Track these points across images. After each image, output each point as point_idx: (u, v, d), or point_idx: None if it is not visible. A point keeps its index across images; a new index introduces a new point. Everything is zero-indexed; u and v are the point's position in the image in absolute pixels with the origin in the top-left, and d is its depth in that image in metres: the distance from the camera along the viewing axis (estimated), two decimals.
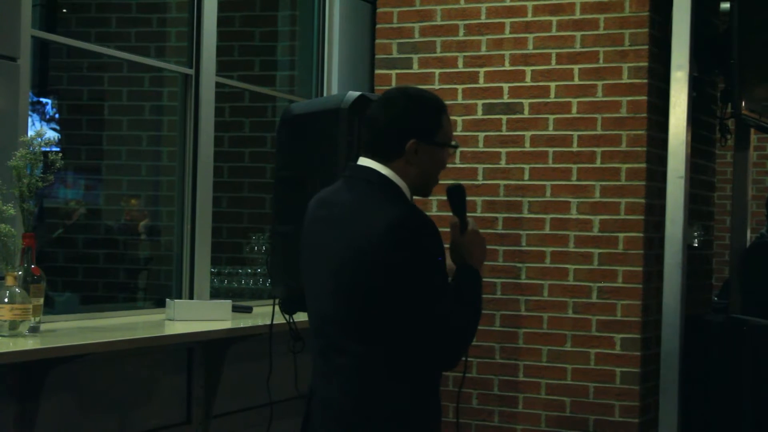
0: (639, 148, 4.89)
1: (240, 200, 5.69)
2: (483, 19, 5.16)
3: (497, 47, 5.13)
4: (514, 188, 5.09)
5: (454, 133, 5.03)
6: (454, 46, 5.21)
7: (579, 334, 4.96)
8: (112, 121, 5.58)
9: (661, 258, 4.79)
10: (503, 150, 5.12)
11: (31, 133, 3.68)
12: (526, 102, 5.08)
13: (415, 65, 5.27)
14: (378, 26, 5.37)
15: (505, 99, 5.12)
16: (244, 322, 4.38)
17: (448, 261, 2.75)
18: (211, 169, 4.73)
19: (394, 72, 5.31)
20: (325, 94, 5.43)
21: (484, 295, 2.80)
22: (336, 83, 5.45)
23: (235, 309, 4.58)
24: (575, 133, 5.00)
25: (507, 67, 5.12)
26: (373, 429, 2.65)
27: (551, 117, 5.04)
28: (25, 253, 3.52)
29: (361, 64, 5.57)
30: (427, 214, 2.70)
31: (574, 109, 5.00)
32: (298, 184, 3.42)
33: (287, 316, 3.48)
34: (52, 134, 3.89)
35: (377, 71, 5.35)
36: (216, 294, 5.01)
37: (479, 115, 5.16)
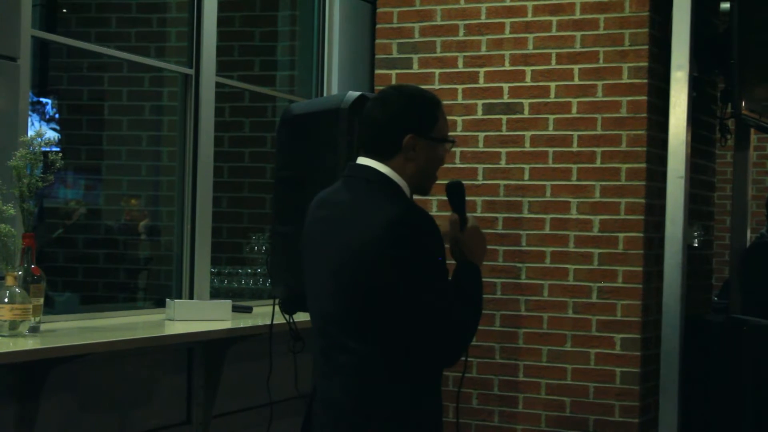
0: (639, 148, 4.89)
1: (240, 200, 5.69)
2: (483, 19, 5.16)
3: (497, 47, 5.13)
4: (514, 188, 5.09)
5: (454, 133, 5.03)
6: (454, 46, 5.21)
7: (579, 334, 4.96)
8: (112, 121, 5.58)
9: (661, 258, 4.79)
10: (503, 150, 5.12)
11: (31, 133, 3.68)
12: (526, 102, 5.08)
13: (415, 65, 5.27)
14: (378, 26, 5.37)
15: (505, 99, 5.12)
16: (244, 322, 4.38)
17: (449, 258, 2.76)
18: (211, 169, 4.73)
19: (394, 72, 5.31)
20: (325, 94, 5.43)
21: (484, 295, 2.81)
22: (336, 83, 5.46)
23: (235, 309, 4.58)
24: (575, 133, 5.00)
25: (507, 67, 5.12)
26: (374, 428, 2.65)
27: (551, 117, 5.04)
28: (25, 253, 3.52)
29: (361, 64, 5.57)
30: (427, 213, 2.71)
31: (574, 109, 5.00)
32: (298, 184, 3.42)
33: (287, 316, 3.48)
34: (52, 134, 3.89)
35: (377, 71, 5.35)
36: (216, 294, 5.01)
37: (479, 115, 5.16)
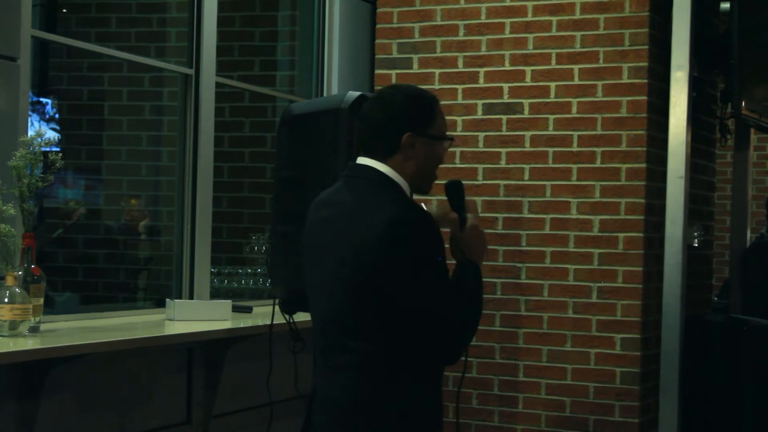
0: (639, 148, 4.89)
1: (240, 200, 5.69)
2: (483, 19, 5.16)
3: (497, 47, 5.13)
4: (514, 188, 5.09)
5: (454, 133, 5.03)
6: (454, 46, 5.21)
7: (579, 334, 4.96)
8: (112, 121, 5.58)
9: (661, 258, 4.79)
10: (503, 150, 5.12)
11: (31, 133, 3.68)
12: (526, 102, 5.08)
13: (415, 65, 5.27)
14: (378, 26, 5.37)
15: (505, 99, 5.12)
16: (244, 322, 4.38)
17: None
18: (211, 169, 4.73)
19: (394, 72, 5.31)
20: (325, 94, 5.43)
21: (484, 295, 2.81)
22: (336, 83, 5.46)
23: (235, 309, 4.58)
24: (575, 133, 5.00)
25: (507, 67, 5.12)
26: (374, 428, 2.65)
27: (551, 117, 5.04)
28: (25, 253, 3.52)
29: (361, 64, 5.57)
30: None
31: (574, 109, 5.00)
32: (298, 184, 3.42)
33: (287, 316, 3.48)
34: (52, 134, 3.89)
35: (377, 71, 5.35)
36: (216, 294, 5.01)
37: (479, 115, 5.16)
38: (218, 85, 4.80)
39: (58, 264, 5.20)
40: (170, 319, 4.30)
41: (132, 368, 3.98)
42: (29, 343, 3.37)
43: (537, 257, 5.04)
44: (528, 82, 5.08)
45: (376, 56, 5.37)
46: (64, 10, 5.50)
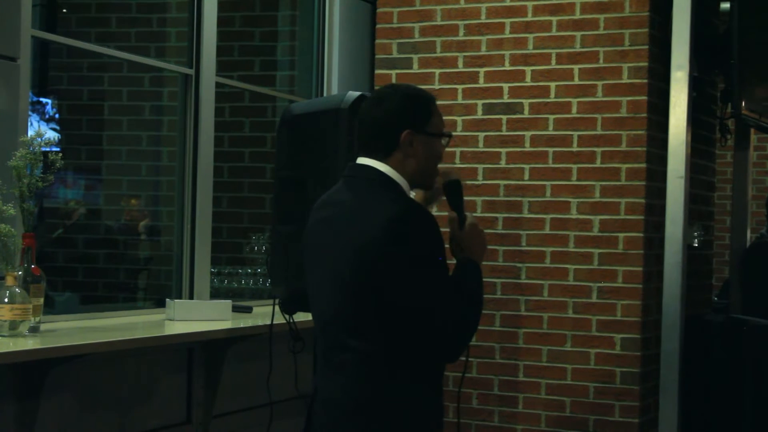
0: (639, 148, 4.89)
1: (240, 200, 5.69)
2: (483, 19, 5.16)
3: (497, 47, 5.13)
4: (514, 188, 5.09)
5: (455, 133, 5.03)
6: (454, 46, 5.21)
7: (579, 334, 4.96)
8: (112, 121, 5.58)
9: (661, 258, 4.79)
10: (503, 150, 5.12)
11: (31, 133, 3.68)
12: (526, 102, 5.08)
13: (415, 65, 5.27)
14: (378, 26, 5.37)
15: (505, 99, 5.12)
16: (244, 322, 4.38)
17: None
18: (211, 169, 4.73)
19: (394, 72, 5.31)
20: (325, 94, 5.43)
21: (484, 295, 2.81)
22: (336, 83, 5.46)
23: (235, 309, 4.58)
24: (575, 133, 5.00)
25: (507, 67, 5.11)
26: (374, 428, 2.65)
27: (551, 117, 5.04)
28: (25, 253, 3.52)
29: (361, 64, 5.57)
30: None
31: (574, 109, 5.00)
32: (298, 184, 3.42)
33: (287, 316, 3.48)
34: (52, 134, 3.89)
35: (377, 71, 5.35)
36: (216, 294, 5.01)
37: (479, 115, 5.16)
38: (218, 85, 4.80)
39: (58, 264, 5.20)
40: (170, 319, 4.30)
41: (132, 368, 3.98)
42: (29, 343, 3.37)
43: (537, 257, 5.04)
44: (528, 82, 5.08)
45: (376, 56, 5.37)
46: (64, 10, 5.50)
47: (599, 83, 4.95)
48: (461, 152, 5.17)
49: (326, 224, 2.75)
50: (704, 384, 5.03)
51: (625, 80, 4.91)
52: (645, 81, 4.87)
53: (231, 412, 4.46)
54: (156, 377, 4.12)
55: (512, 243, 5.08)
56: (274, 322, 3.60)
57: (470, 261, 2.79)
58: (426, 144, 2.74)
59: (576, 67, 4.99)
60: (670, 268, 4.74)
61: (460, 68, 5.19)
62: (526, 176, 5.07)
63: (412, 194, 2.83)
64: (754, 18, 5.20)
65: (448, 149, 2.92)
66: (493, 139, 5.13)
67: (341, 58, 5.48)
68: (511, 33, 5.11)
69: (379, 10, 5.36)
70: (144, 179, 5.51)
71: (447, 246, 2.73)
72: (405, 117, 2.72)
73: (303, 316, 3.42)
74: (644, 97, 4.87)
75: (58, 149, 3.80)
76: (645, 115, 4.87)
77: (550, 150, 5.03)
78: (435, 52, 5.24)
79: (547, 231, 5.03)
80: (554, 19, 5.03)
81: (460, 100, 5.18)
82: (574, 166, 4.99)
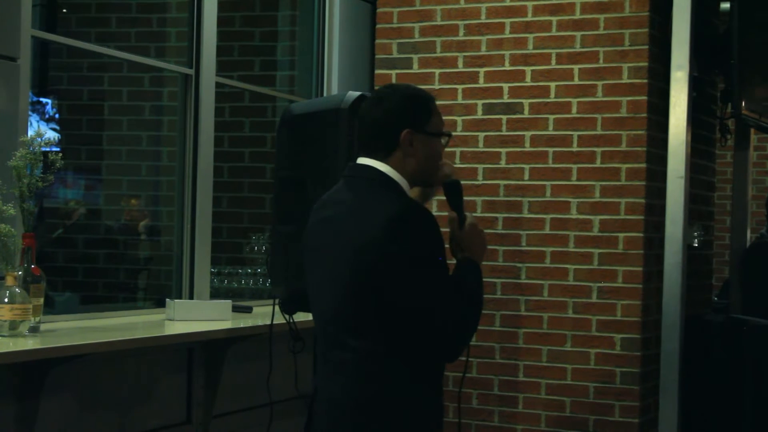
0: (639, 148, 4.89)
1: (240, 200, 5.69)
2: (483, 19, 5.16)
3: (497, 47, 5.13)
4: (514, 188, 5.09)
5: (455, 133, 5.03)
6: (454, 46, 5.21)
7: (579, 334, 4.96)
8: (112, 121, 5.58)
9: (661, 258, 4.79)
10: (503, 150, 5.12)
11: (31, 133, 3.68)
12: (526, 102, 5.08)
13: (415, 65, 5.27)
14: (378, 26, 5.37)
15: (505, 99, 5.12)
16: (244, 322, 4.38)
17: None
18: (211, 169, 4.73)
19: (394, 72, 5.31)
20: (325, 94, 5.43)
21: (484, 295, 2.81)
22: (336, 83, 5.46)
23: (235, 309, 4.58)
24: (575, 133, 5.00)
25: (507, 67, 5.11)
26: (374, 427, 2.65)
27: (551, 117, 5.04)
28: (25, 253, 3.52)
29: (361, 64, 5.57)
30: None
31: (574, 109, 5.00)
32: (298, 184, 3.42)
33: (287, 316, 3.48)
34: (52, 134, 3.90)
35: (377, 71, 5.35)
36: (216, 294, 5.01)
37: (479, 115, 5.16)
38: (218, 85, 4.80)
39: (58, 264, 5.20)
40: (170, 319, 4.30)
41: (132, 368, 3.98)
42: (29, 343, 3.37)
43: (537, 257, 5.04)
44: (528, 82, 5.08)
45: (376, 56, 5.37)
46: (64, 10, 5.50)
47: (599, 83, 4.95)
48: (461, 152, 5.17)
49: (326, 224, 2.75)
50: (704, 384, 5.03)
51: (625, 80, 4.91)
52: (645, 81, 4.87)
53: (231, 412, 4.46)
54: (156, 377, 4.12)
55: (512, 243, 5.08)
56: (274, 322, 3.60)
57: (470, 261, 2.79)
58: (426, 143, 2.74)
59: (576, 67, 4.99)
60: (670, 268, 4.74)
61: (460, 68, 5.19)
62: (526, 176, 5.07)
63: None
64: (754, 18, 5.20)
65: (448, 149, 2.92)
66: (493, 139, 5.13)
67: (341, 58, 5.48)
68: (511, 33, 5.11)
69: (379, 10, 5.36)
70: (144, 179, 5.51)
71: (447, 246, 2.73)
72: (405, 117, 2.73)
73: (303, 316, 3.42)
74: (644, 97, 4.87)
75: (58, 149, 3.80)
76: (645, 115, 4.88)
77: (550, 150, 5.03)
78: (435, 52, 5.24)
79: (547, 231, 5.03)
80: (554, 19, 5.03)
81: (460, 100, 5.18)
82: (574, 166, 4.99)
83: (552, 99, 5.03)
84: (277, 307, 3.50)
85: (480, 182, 5.14)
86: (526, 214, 5.06)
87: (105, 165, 5.58)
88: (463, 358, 2.75)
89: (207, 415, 4.32)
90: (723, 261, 7.46)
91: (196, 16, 4.69)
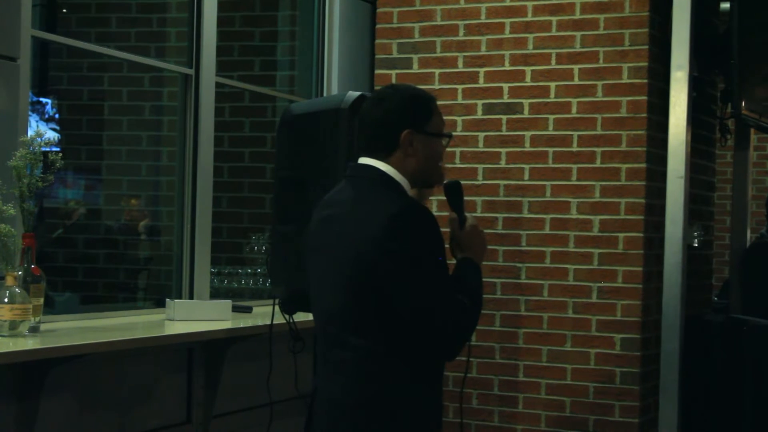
0: (639, 148, 4.89)
1: (240, 200, 5.69)
2: (483, 19, 5.16)
3: (497, 47, 5.13)
4: (514, 188, 5.09)
5: (455, 133, 5.03)
6: (454, 46, 5.21)
7: (579, 334, 4.96)
8: (112, 121, 5.57)
9: (661, 258, 4.79)
10: (503, 150, 5.12)
11: (31, 133, 3.68)
12: (526, 102, 5.08)
13: (415, 65, 5.27)
14: (378, 26, 5.37)
15: (505, 99, 5.12)
16: (244, 322, 4.38)
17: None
18: (211, 169, 4.73)
19: (394, 72, 5.31)
20: (325, 94, 5.43)
21: (484, 295, 2.82)
22: (336, 83, 5.46)
23: (235, 309, 4.58)
24: (575, 133, 5.00)
25: (507, 67, 5.12)
26: (374, 427, 2.65)
27: (551, 117, 5.04)
28: (25, 253, 3.52)
29: (361, 64, 5.57)
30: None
31: (574, 109, 5.00)
32: (298, 184, 3.42)
33: (287, 316, 3.48)
34: (52, 134, 3.89)
35: (377, 71, 5.35)
36: (216, 294, 5.01)
37: (479, 115, 5.16)
38: (218, 85, 4.79)
39: (58, 264, 5.20)
40: (170, 319, 4.30)
41: (132, 368, 3.98)
42: (29, 343, 3.37)
43: (537, 257, 5.04)
44: (528, 82, 5.08)
45: (376, 56, 5.37)
46: (64, 10, 5.50)
47: (599, 83, 4.95)
48: (461, 152, 5.17)
49: (328, 223, 2.75)
50: (704, 384, 5.03)
51: (625, 80, 4.91)
52: (645, 81, 4.87)
53: (231, 412, 4.46)
54: (156, 377, 4.12)
55: (512, 243, 5.08)
56: (274, 322, 3.60)
57: (470, 261, 2.80)
58: (426, 144, 2.75)
59: (576, 67, 4.99)
60: (670, 268, 4.74)
61: (460, 68, 5.19)
62: (526, 176, 5.07)
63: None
64: (754, 18, 5.20)
65: (448, 149, 2.92)
66: (493, 139, 5.13)
67: (341, 58, 5.48)
68: (511, 33, 5.11)
69: (379, 10, 5.36)
70: (144, 179, 5.51)
71: (447, 246, 2.73)
72: (405, 117, 2.73)
73: (303, 316, 3.42)
74: (644, 97, 4.88)
75: (58, 149, 3.80)
76: (645, 115, 4.88)
77: (550, 150, 5.04)
78: (435, 52, 5.24)
79: (547, 231, 5.03)
80: (554, 19, 5.03)
81: (460, 100, 5.18)
82: (574, 166, 4.99)
83: (552, 99, 5.04)
84: (277, 307, 3.50)
85: (480, 182, 5.14)
86: (526, 214, 5.06)
87: (105, 165, 5.58)
88: (464, 358, 2.76)
89: (207, 415, 4.32)
90: (723, 261, 7.46)
91: (196, 16, 4.69)
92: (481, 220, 5.02)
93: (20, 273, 3.50)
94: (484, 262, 2.89)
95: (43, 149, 3.57)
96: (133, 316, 4.49)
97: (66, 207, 5.38)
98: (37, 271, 3.56)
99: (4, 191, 3.52)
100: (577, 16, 4.99)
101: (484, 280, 2.82)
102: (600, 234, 4.94)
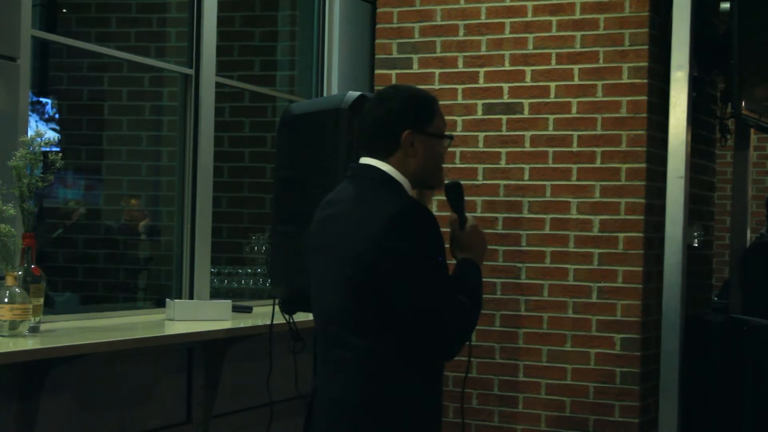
0: (639, 148, 4.89)
1: (240, 200, 5.69)
2: (483, 19, 5.16)
3: (497, 47, 5.13)
4: (514, 188, 5.09)
5: (455, 133, 5.03)
6: (454, 46, 5.21)
7: (579, 334, 4.96)
8: (112, 121, 5.57)
9: (661, 258, 4.79)
10: (503, 150, 5.12)
11: (31, 133, 3.68)
12: (526, 102, 5.08)
13: (415, 65, 5.27)
14: (378, 26, 5.37)
15: (505, 99, 5.12)
16: (244, 322, 4.38)
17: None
18: (211, 169, 4.73)
19: (394, 72, 5.31)
20: (325, 94, 5.43)
21: (484, 295, 2.82)
22: (336, 83, 5.46)
23: (235, 309, 4.58)
24: (575, 133, 5.00)
25: (507, 67, 5.12)
26: (374, 427, 2.66)
27: (551, 117, 5.04)
28: (25, 253, 3.52)
29: (361, 64, 5.57)
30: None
31: (574, 109, 5.00)
32: (298, 184, 3.42)
33: (287, 316, 3.48)
34: (52, 134, 3.89)
35: (377, 71, 5.35)
36: (216, 294, 5.01)
37: (479, 115, 5.16)
38: (218, 85, 4.80)
39: (58, 264, 5.20)
40: (170, 319, 4.30)
41: (132, 368, 3.98)
42: (29, 343, 3.37)
43: (537, 257, 5.04)
44: (528, 82, 5.08)
45: (376, 56, 5.37)
46: (64, 10, 5.50)
47: (599, 83, 4.95)
48: (461, 152, 5.17)
49: (328, 223, 2.76)
50: (704, 384, 5.03)
51: (625, 80, 4.91)
52: (645, 81, 4.87)
53: (231, 412, 4.46)
54: (156, 377, 4.12)
55: (512, 243, 5.08)
56: (274, 322, 3.60)
57: (470, 261, 2.80)
58: (427, 144, 2.75)
59: (576, 67, 4.99)
60: (670, 268, 4.74)
61: (460, 68, 5.19)
62: (526, 176, 5.07)
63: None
64: (754, 18, 5.20)
65: (448, 149, 2.92)
66: (493, 139, 5.13)
67: (341, 58, 5.48)
68: (511, 33, 5.11)
69: (379, 10, 5.36)
70: (144, 179, 5.51)
71: (447, 246, 2.73)
72: (406, 117, 2.73)
73: (303, 316, 3.42)
74: (644, 97, 4.88)
75: (58, 149, 3.80)
76: (645, 115, 4.88)
77: (550, 150, 5.04)
78: (435, 52, 5.24)
79: (547, 231, 5.03)
80: (554, 19, 5.03)
81: (460, 100, 5.19)
82: (574, 166, 4.99)
83: (552, 99, 5.04)
84: (277, 307, 3.50)
85: (480, 182, 5.14)
86: (526, 214, 5.06)
87: (105, 165, 5.58)
88: (464, 358, 2.76)
89: (207, 415, 4.32)
90: (723, 261, 7.46)
91: (196, 16, 4.69)
92: (481, 220, 5.02)
93: (20, 273, 3.50)
94: (484, 262, 2.90)
95: (43, 149, 3.57)
96: (133, 316, 4.49)
97: (66, 207, 5.38)
98: (37, 271, 3.56)
99: (4, 191, 3.52)
100: (577, 16, 4.99)
101: (484, 280, 2.82)
102: (600, 234, 4.94)
